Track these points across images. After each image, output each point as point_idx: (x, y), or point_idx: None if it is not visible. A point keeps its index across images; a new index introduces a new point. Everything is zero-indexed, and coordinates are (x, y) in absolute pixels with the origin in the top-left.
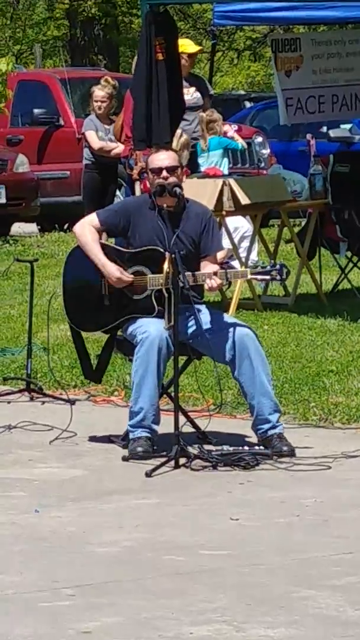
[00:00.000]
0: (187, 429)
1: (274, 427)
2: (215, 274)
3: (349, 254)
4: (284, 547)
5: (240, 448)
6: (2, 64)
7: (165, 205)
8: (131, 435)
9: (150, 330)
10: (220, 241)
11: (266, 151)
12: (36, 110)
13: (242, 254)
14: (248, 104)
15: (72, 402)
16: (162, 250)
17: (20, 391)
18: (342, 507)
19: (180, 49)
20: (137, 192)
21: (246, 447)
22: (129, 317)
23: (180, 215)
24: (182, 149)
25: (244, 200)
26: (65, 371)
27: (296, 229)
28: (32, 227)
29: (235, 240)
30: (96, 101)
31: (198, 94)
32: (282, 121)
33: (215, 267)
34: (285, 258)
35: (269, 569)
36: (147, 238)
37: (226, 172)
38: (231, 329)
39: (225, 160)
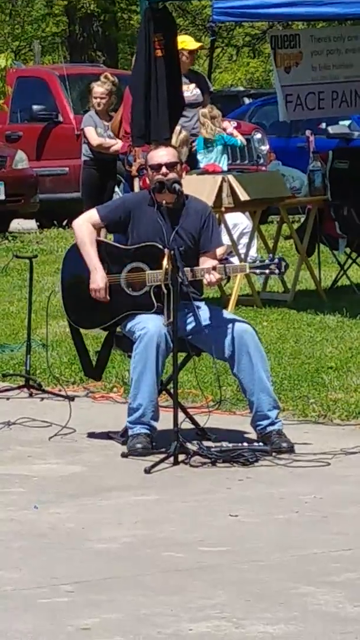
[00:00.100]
0: (186, 425)
1: (273, 423)
2: (214, 268)
3: (348, 250)
4: (283, 543)
5: (240, 444)
6: (1, 60)
7: (164, 202)
8: (130, 432)
9: (148, 326)
10: (219, 237)
11: (265, 147)
12: (35, 107)
13: (242, 250)
14: (247, 101)
15: (71, 399)
16: (161, 246)
17: (19, 387)
18: (341, 503)
19: (181, 46)
20: (136, 188)
21: (245, 444)
22: (127, 314)
23: (180, 212)
24: (181, 145)
25: (243, 196)
26: (64, 367)
27: (295, 226)
28: (31, 224)
29: (235, 237)
30: (95, 97)
31: (198, 91)
32: (282, 117)
33: (214, 262)
34: (285, 254)
35: (268, 566)
36: (146, 234)
37: (225, 168)
38: (230, 326)
39: (225, 156)
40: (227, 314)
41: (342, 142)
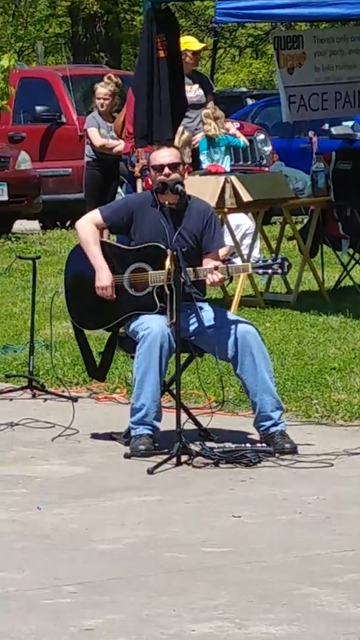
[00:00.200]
0: (189, 426)
1: (276, 424)
2: (216, 268)
3: (351, 251)
4: (286, 544)
5: (242, 445)
6: (4, 60)
7: (167, 202)
8: (133, 433)
9: (152, 326)
10: (222, 238)
11: (268, 148)
12: (38, 108)
13: (244, 251)
14: (250, 101)
15: (74, 400)
16: (163, 247)
17: (22, 388)
18: (344, 504)
19: (185, 47)
20: (139, 189)
21: (248, 445)
22: (130, 314)
23: (182, 213)
24: (183, 146)
25: (246, 197)
26: (67, 368)
27: (298, 226)
28: (34, 225)
29: (237, 238)
30: (99, 98)
31: (201, 92)
32: (285, 118)
33: (217, 263)
34: (288, 255)
35: (271, 567)
36: (149, 235)
37: (228, 169)
38: (233, 326)
39: (227, 157)
40: (230, 314)
41: (345, 142)
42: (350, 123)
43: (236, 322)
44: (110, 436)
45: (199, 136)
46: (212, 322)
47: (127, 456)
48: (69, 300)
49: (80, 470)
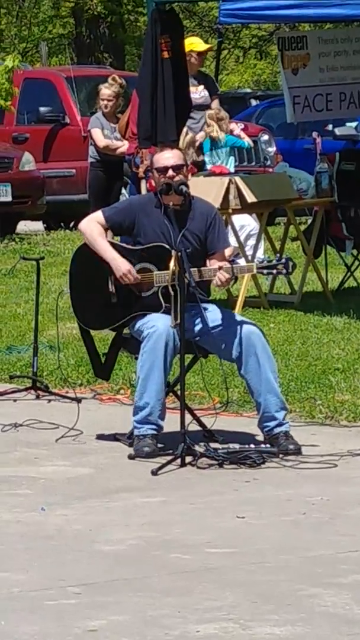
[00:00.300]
0: (193, 427)
1: (280, 424)
2: (220, 268)
3: (354, 252)
4: (290, 545)
5: (247, 446)
6: (8, 61)
7: (171, 204)
8: (136, 432)
9: (157, 325)
10: (226, 238)
11: (272, 149)
12: (42, 109)
13: (249, 252)
14: (254, 102)
15: (78, 401)
16: (167, 247)
17: (26, 389)
18: (348, 505)
19: (190, 47)
20: (143, 189)
21: (252, 445)
22: (135, 315)
23: (187, 214)
24: (187, 147)
25: (250, 198)
26: (72, 369)
27: (302, 227)
28: (38, 225)
29: (242, 239)
30: (103, 99)
31: (206, 93)
32: (289, 119)
33: (222, 263)
34: (292, 256)
35: (275, 567)
36: (153, 236)
37: (232, 170)
38: (238, 327)
39: (232, 158)
40: (235, 315)
41: (349, 143)
42: (354, 124)
43: (240, 322)
44: (114, 437)
45: (199, 135)
46: (217, 323)
47: (131, 457)
48: (74, 300)
49: (85, 471)
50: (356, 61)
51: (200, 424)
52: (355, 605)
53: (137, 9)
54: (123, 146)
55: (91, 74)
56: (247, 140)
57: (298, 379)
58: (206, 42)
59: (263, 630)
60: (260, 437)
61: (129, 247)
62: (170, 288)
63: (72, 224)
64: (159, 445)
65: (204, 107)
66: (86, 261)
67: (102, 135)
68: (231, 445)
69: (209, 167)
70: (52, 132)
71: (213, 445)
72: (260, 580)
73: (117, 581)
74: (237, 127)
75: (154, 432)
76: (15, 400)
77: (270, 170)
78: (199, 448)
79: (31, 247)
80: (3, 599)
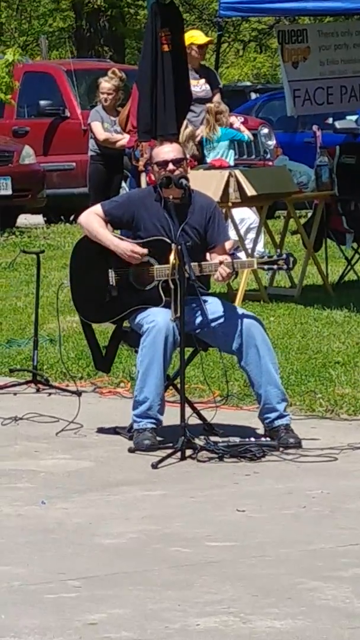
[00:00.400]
0: (194, 420)
1: (281, 416)
2: (221, 263)
3: (355, 245)
4: (290, 538)
5: (247, 439)
6: (8, 55)
7: (171, 197)
8: (136, 426)
9: (157, 319)
10: (226, 231)
11: (272, 142)
12: (42, 102)
13: (249, 245)
14: (254, 96)
15: (78, 394)
16: (167, 241)
17: (26, 383)
18: (348, 498)
19: (190, 40)
20: (143, 183)
21: (252, 439)
22: (136, 308)
23: (187, 208)
24: (187, 140)
25: (250, 191)
26: (72, 363)
27: (302, 221)
28: (38, 219)
29: (242, 232)
30: (102, 93)
31: (207, 86)
32: (290, 112)
33: (223, 257)
34: (292, 249)
35: (276, 561)
36: (153, 230)
37: (232, 163)
38: (238, 318)
39: (231, 151)
40: (235, 307)
41: (350, 137)
42: (354, 117)
43: (241, 314)
44: (114, 430)
45: (199, 130)
46: (217, 315)
47: (131, 450)
48: (74, 294)
49: (85, 465)
50: (356, 54)
51: (201, 417)
52: (356, 599)
53: (137, 2)
54: (123, 139)
55: (91, 67)
56: (246, 134)
57: (298, 373)
58: (206, 35)
59: (263, 624)
60: (261, 430)
61: (129, 240)
62: (170, 282)
63: (72, 217)
64: (159, 438)
65: (205, 100)
66: (86, 255)
67: (102, 128)
68: (231, 439)
69: (208, 160)
70: (52, 125)
71: (213, 438)
72: (261, 573)
73: (117, 574)
74: (237, 121)
75: (154, 425)
76: (15, 394)
77: (270, 163)
78: (199, 441)
79: (31, 240)
80: (3, 593)
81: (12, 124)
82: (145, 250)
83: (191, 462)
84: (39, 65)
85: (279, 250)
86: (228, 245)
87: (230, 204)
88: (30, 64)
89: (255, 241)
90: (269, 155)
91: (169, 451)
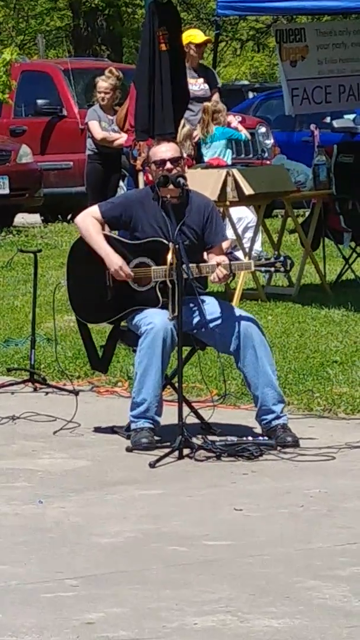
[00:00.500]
0: (191, 419)
1: (278, 417)
2: (218, 264)
3: (352, 244)
4: (288, 537)
5: (244, 439)
6: (5, 54)
7: (168, 196)
8: (133, 426)
9: (155, 321)
10: (224, 231)
11: (270, 141)
12: (39, 101)
13: (246, 244)
14: (251, 95)
15: (75, 393)
16: (165, 242)
17: (23, 382)
18: (346, 497)
19: (188, 39)
20: (141, 182)
21: (250, 438)
22: (133, 309)
23: (184, 207)
24: (184, 139)
25: (248, 190)
26: (69, 362)
27: (300, 220)
28: (36, 218)
29: (239, 231)
30: (100, 92)
31: (206, 85)
32: (288, 111)
33: (221, 258)
34: (289, 248)
35: (273, 560)
36: (150, 230)
37: (230, 162)
38: (236, 319)
39: (229, 150)
40: (233, 308)
41: (347, 136)
42: (352, 116)
43: (238, 315)
44: (112, 430)
45: (196, 132)
46: (215, 315)
47: (128, 450)
48: (71, 294)
49: (82, 464)
50: (355, 53)
51: (198, 416)
52: (354, 598)
53: (135, 1)
54: (120, 138)
55: (89, 66)
56: (244, 133)
57: (296, 372)
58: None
59: (261, 623)
60: (258, 430)
61: (126, 241)
62: (167, 281)
63: (69, 217)
64: (156, 437)
65: (204, 99)
66: (84, 255)
67: (99, 127)
68: (229, 438)
69: (206, 159)
70: (50, 124)
71: (211, 437)
72: (258, 572)
73: (114, 574)
74: (234, 120)
75: (151, 426)
76: (12, 393)
77: (268, 162)
78: (197, 440)
79: (28, 239)
80: (0, 592)
81: (10, 123)
82: (132, 274)
83: (189, 461)
84: (36, 64)
85: (276, 252)
86: (225, 244)
87: (227, 203)
88: (28, 63)
89: (252, 240)
90: (266, 154)
91: (167, 450)
